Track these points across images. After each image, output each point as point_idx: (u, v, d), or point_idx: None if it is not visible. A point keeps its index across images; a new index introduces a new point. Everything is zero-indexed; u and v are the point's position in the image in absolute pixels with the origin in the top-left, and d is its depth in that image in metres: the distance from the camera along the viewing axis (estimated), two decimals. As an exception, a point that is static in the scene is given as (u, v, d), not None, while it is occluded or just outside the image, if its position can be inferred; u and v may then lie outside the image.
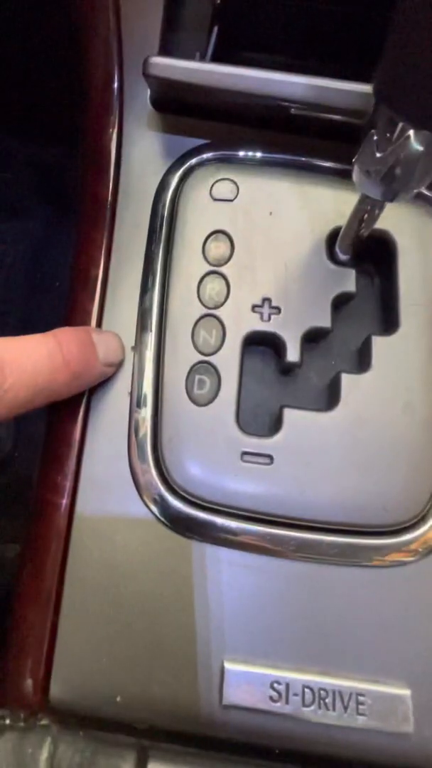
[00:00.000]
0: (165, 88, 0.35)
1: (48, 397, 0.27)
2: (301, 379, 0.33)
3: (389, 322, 0.32)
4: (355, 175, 0.27)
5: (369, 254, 0.34)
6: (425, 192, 0.35)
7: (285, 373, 0.33)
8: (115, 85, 0.38)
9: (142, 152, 0.37)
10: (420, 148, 0.24)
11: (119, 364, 0.32)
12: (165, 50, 0.37)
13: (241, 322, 0.32)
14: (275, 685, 0.26)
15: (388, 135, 0.25)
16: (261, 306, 0.33)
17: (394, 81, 0.23)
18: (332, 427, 0.30)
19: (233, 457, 0.29)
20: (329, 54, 0.38)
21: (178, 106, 0.37)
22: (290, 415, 0.30)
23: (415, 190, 0.27)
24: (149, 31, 0.37)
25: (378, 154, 0.26)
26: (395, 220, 0.34)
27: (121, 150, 0.38)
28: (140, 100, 0.38)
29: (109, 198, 0.37)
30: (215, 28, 0.38)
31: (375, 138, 0.26)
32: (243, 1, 0.36)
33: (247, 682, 0.26)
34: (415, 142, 0.24)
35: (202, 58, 0.37)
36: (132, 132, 0.38)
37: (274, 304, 0.33)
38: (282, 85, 0.32)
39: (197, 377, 0.31)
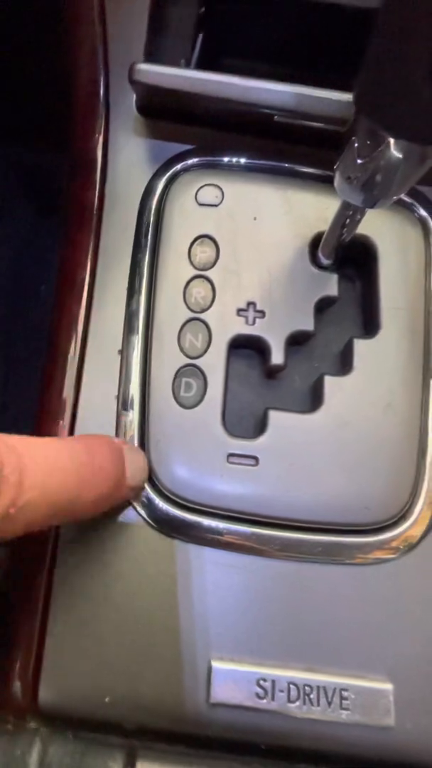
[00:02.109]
0: (151, 94, 0.36)
1: (65, 518, 0.24)
2: (285, 382, 0.34)
3: (371, 325, 0.33)
4: (337, 182, 0.28)
5: (351, 259, 0.35)
6: (405, 198, 0.36)
7: (270, 376, 0.34)
8: (101, 91, 0.38)
9: (128, 157, 0.38)
10: (399, 155, 0.25)
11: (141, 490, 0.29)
12: (150, 57, 0.37)
13: (226, 325, 0.33)
14: (261, 682, 0.27)
15: (368, 143, 0.25)
16: (246, 310, 0.33)
17: (374, 91, 0.24)
18: (316, 429, 0.30)
19: (219, 459, 0.30)
20: (313, 62, 0.38)
21: (164, 111, 0.37)
22: (275, 417, 0.31)
23: (396, 197, 0.28)
24: (135, 37, 0.37)
25: (359, 162, 0.26)
26: (376, 225, 0.34)
27: (108, 155, 0.38)
28: (126, 105, 0.38)
29: (96, 202, 0.37)
30: (200, 35, 0.38)
31: (356, 146, 0.26)
32: (226, 8, 0.37)
33: (234, 680, 0.27)
34: (394, 150, 0.25)
35: (188, 65, 0.38)
36: (118, 137, 0.38)
37: (258, 307, 0.33)
38: (265, 93, 0.32)
39: (184, 380, 0.32)
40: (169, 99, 0.35)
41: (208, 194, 0.36)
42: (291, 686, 0.27)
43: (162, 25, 0.38)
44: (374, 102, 0.24)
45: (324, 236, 0.33)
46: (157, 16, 0.37)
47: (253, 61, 0.39)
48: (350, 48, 0.35)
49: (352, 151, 0.26)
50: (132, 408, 0.31)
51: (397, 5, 0.21)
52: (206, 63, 0.38)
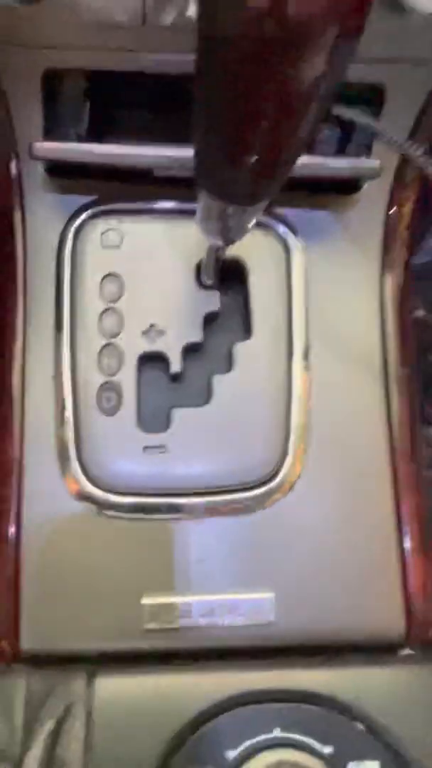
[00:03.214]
0: (51, 162, 0.44)
1: None
2: (187, 383, 0.42)
3: (247, 330, 0.42)
4: (199, 229, 0.36)
5: (231, 276, 0.44)
6: (267, 221, 0.44)
7: (174, 380, 0.42)
8: (14, 163, 0.46)
9: (43, 212, 0.45)
10: (231, 210, 0.33)
11: None
12: (48, 127, 0.45)
13: (134, 345, 0.41)
14: (183, 607, 0.36)
15: (209, 199, 0.33)
16: (149, 331, 0.42)
17: (199, 165, 0.32)
18: (208, 417, 0.39)
19: (137, 451, 0.39)
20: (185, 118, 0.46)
21: (67, 171, 0.45)
22: (177, 413, 0.40)
23: (246, 232, 0.36)
24: (33, 115, 0.45)
25: (207, 216, 0.34)
26: (246, 247, 0.43)
27: (25, 213, 0.46)
28: (37, 170, 0.46)
29: (20, 254, 0.45)
30: (87, 105, 0.46)
31: (202, 203, 0.34)
32: (106, 82, 0.44)
33: (158, 610, 0.36)
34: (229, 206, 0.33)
35: (79, 134, 0.45)
36: (32, 197, 0.46)
37: (159, 327, 0.42)
38: (136, 156, 0.40)
39: (105, 394, 0.40)
40: (68, 163, 0.43)
41: (111, 237, 0.44)
42: (201, 606, 0.36)
43: (53, 101, 0.45)
44: (200, 172, 0.32)
45: (203, 262, 0.41)
46: (49, 94, 0.45)
47: (136, 121, 0.47)
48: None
49: (202, 207, 0.34)
50: (67, 423, 0.40)
51: (200, 107, 0.28)
52: (95, 128, 0.46)
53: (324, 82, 0.23)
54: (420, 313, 1.18)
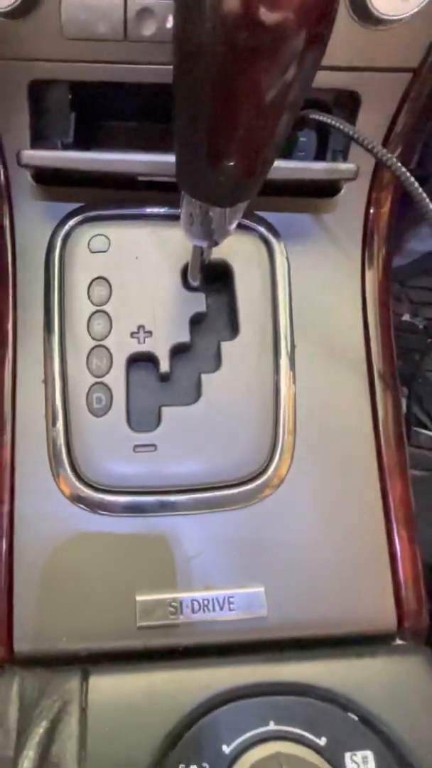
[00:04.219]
0: (39, 170, 0.44)
1: None
2: (176, 382, 0.43)
3: (233, 330, 0.43)
4: (184, 231, 0.37)
5: (217, 278, 0.44)
6: (250, 224, 0.45)
7: (164, 380, 0.43)
8: (1, 172, 0.46)
9: (31, 219, 0.46)
10: (211, 212, 0.34)
11: None
12: (35, 138, 0.46)
13: (123, 347, 0.42)
14: (172, 604, 0.36)
15: (192, 201, 0.35)
16: (137, 332, 0.42)
17: (180, 168, 0.33)
18: (197, 415, 0.40)
19: (128, 450, 0.39)
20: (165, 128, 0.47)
21: (55, 178, 0.46)
22: (166, 411, 0.40)
23: (229, 234, 0.37)
24: (20, 124, 0.46)
25: (190, 218, 0.35)
26: (230, 249, 0.44)
27: (14, 220, 0.47)
28: (24, 178, 0.46)
29: (10, 260, 0.46)
30: (72, 115, 0.47)
31: (184, 205, 0.35)
32: (89, 93, 0.46)
33: (152, 607, 0.36)
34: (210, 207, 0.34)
35: (65, 143, 0.46)
36: (21, 204, 0.46)
37: (147, 329, 0.42)
38: (121, 164, 0.41)
39: (95, 395, 0.41)
40: (54, 171, 0.44)
41: (98, 243, 0.45)
42: (194, 602, 0.36)
43: (39, 112, 0.47)
44: (179, 174, 0.33)
45: (189, 265, 0.42)
46: (35, 105, 0.46)
47: (120, 132, 0.48)
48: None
49: (185, 210, 0.35)
50: (57, 424, 0.40)
51: (179, 114, 0.29)
52: (82, 137, 0.47)
53: (294, 87, 0.24)
54: (406, 317, 1.21)
